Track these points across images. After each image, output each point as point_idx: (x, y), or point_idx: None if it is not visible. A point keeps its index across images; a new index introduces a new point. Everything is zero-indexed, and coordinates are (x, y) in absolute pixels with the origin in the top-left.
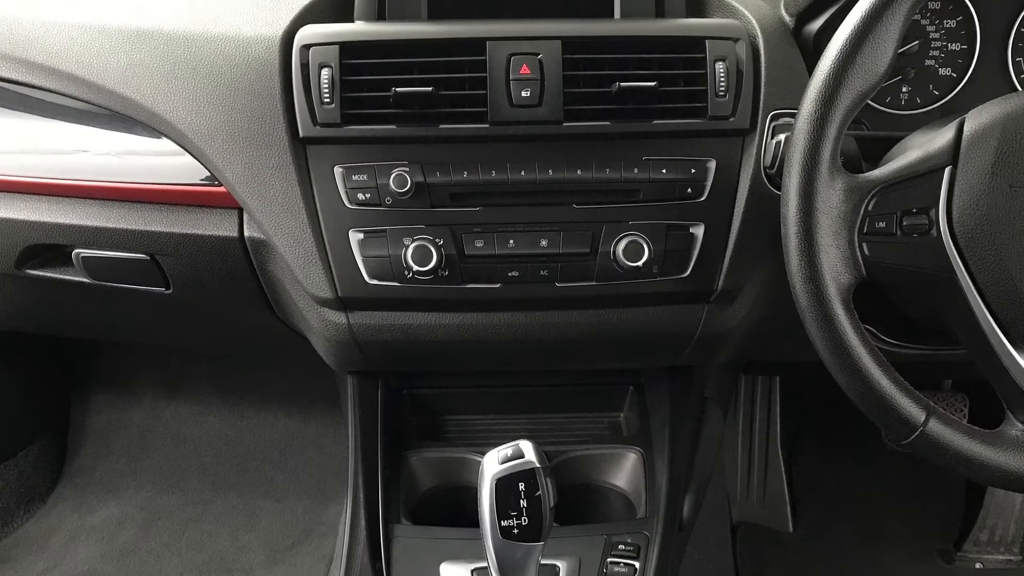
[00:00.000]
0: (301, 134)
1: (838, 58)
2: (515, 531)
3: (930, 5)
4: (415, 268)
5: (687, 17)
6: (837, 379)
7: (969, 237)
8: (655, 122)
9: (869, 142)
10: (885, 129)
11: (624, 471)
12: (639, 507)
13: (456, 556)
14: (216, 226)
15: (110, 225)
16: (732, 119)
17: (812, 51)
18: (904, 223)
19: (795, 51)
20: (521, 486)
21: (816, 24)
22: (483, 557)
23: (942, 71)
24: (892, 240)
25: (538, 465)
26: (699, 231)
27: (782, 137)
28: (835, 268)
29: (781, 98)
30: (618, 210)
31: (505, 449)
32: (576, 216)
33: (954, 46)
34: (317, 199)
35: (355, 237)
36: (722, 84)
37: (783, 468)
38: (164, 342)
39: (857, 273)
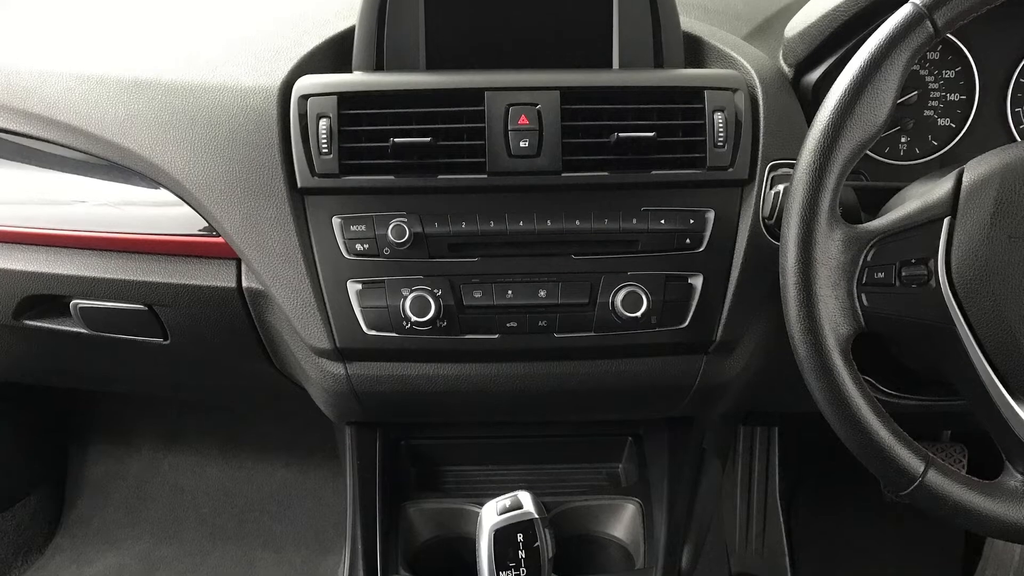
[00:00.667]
0: (299, 184)
1: (837, 109)
2: None
3: (929, 55)
4: (413, 319)
5: (686, 67)
6: (836, 430)
7: (968, 288)
8: (654, 172)
9: (868, 192)
10: (884, 179)
11: (623, 522)
12: (637, 558)
13: None
14: (214, 277)
15: (108, 276)
16: (731, 170)
17: (811, 101)
18: (903, 274)
19: (794, 101)
20: (519, 537)
21: (815, 74)
22: None
23: (941, 121)
24: (891, 291)
25: (536, 516)
26: (698, 282)
27: (781, 188)
28: (834, 319)
29: (780, 148)
30: (617, 261)
31: (503, 500)
32: (575, 267)
33: (953, 96)
34: (315, 250)
35: (353, 288)
36: (721, 134)
37: (782, 519)
38: (162, 393)
39: (856, 324)
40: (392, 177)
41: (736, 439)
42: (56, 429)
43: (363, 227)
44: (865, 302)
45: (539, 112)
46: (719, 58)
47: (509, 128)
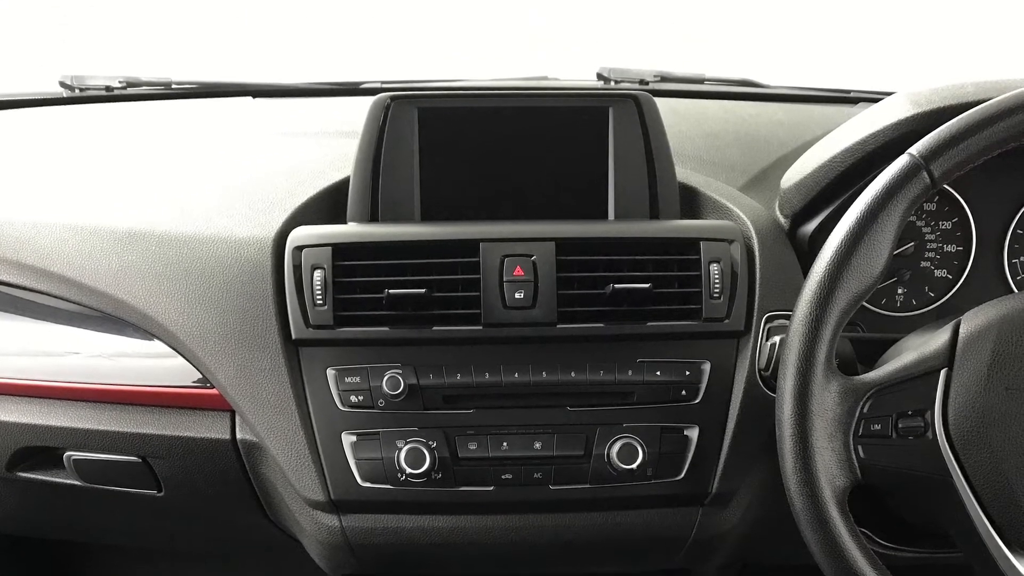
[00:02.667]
0: (294, 336)
1: (833, 260)
2: None
3: (926, 206)
4: (408, 471)
5: (681, 218)
6: None
7: (965, 440)
8: (649, 324)
9: (864, 344)
10: (881, 331)
11: None
12: None
13: None
14: (208, 428)
15: (101, 428)
16: (727, 321)
17: (807, 252)
18: (899, 426)
19: (790, 252)
20: None
21: (811, 225)
22: None
23: (938, 273)
24: (887, 443)
25: None
26: (693, 433)
27: (777, 339)
28: (830, 471)
29: (776, 300)
30: (612, 412)
31: None
32: (570, 418)
33: (950, 247)
34: (310, 401)
35: (348, 439)
36: (717, 286)
37: None
38: (157, 545)
39: (852, 476)
40: (387, 328)
41: None
42: None
43: (358, 379)
44: (862, 454)
45: (534, 263)
46: (715, 209)
47: (504, 279)
